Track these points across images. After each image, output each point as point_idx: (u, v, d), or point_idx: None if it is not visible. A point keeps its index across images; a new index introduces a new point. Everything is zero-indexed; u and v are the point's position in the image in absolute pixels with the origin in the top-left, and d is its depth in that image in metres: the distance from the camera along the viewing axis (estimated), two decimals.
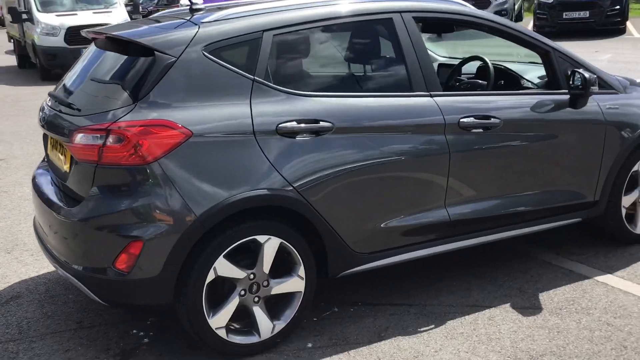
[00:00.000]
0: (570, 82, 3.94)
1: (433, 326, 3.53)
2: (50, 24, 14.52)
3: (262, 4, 3.46)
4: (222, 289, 3.20)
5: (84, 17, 14.80)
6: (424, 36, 4.91)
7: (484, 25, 3.93)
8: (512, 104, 3.88)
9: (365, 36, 3.70)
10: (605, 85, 4.25)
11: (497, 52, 4.87)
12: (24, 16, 15.14)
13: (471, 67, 4.57)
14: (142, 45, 3.15)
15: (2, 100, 11.95)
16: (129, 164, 2.96)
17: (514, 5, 19.66)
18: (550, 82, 4.11)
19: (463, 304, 3.77)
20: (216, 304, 3.16)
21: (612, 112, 4.17)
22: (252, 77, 3.19)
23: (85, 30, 3.84)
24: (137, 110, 3.00)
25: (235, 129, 3.09)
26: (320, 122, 3.25)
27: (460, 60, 4.64)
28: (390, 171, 3.46)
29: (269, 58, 3.25)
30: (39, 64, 14.80)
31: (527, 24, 19.01)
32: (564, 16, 16.90)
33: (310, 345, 3.37)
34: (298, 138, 3.21)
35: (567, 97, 3.99)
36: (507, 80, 4.39)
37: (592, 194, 4.20)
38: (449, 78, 4.51)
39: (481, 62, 4.34)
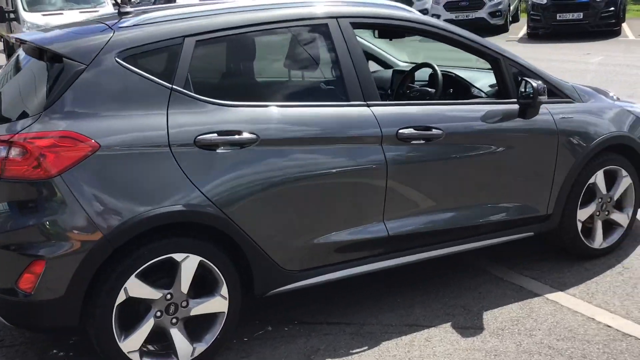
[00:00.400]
0: (519, 91, 3.77)
1: (366, 347, 3.37)
2: (35, 23, 14.37)
3: (188, 8, 3.29)
4: (138, 310, 3.04)
5: (70, 17, 14.65)
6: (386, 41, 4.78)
7: (428, 32, 3.77)
8: (455, 114, 3.71)
9: (298, 43, 3.53)
10: (560, 94, 4.08)
11: (463, 57, 4.71)
12: (11, 15, 15.03)
13: (425, 74, 4.40)
14: (52, 52, 2.99)
15: None
16: (32, 178, 2.80)
17: (509, 6, 19.44)
18: (500, 91, 3.94)
19: (403, 323, 3.61)
20: (130, 326, 3.00)
21: (565, 122, 4.00)
22: (170, 85, 3.03)
23: (12, 35, 3.69)
24: (42, 121, 2.84)
25: (149, 141, 2.93)
26: (244, 134, 3.09)
27: (412, 66, 4.47)
28: (322, 185, 3.30)
29: (190, 66, 3.09)
30: None
31: (523, 26, 18.87)
32: (558, 17, 16.67)
33: None
34: (219, 150, 3.05)
35: (516, 106, 3.81)
36: (458, 89, 4.23)
37: (544, 207, 4.03)
38: (400, 86, 4.34)
39: (431, 70, 4.18)
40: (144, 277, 2.96)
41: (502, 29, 18.93)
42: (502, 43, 15.29)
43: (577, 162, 4.03)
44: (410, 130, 3.49)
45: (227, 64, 3.35)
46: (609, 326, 3.49)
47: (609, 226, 4.37)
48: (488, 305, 3.78)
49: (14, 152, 2.81)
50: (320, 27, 3.43)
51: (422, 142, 3.53)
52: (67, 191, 2.79)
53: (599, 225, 4.27)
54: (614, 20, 16.55)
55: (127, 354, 2.97)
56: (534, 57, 11.60)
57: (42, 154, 2.78)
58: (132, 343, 2.98)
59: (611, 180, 4.28)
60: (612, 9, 16.41)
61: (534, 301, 3.82)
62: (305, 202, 3.27)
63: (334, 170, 3.31)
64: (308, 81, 3.63)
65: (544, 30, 16.85)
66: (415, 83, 4.44)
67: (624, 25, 17.61)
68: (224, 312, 3.17)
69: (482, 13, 18.87)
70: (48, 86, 2.95)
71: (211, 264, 3.08)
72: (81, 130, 2.83)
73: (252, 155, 3.11)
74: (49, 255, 2.79)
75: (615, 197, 4.30)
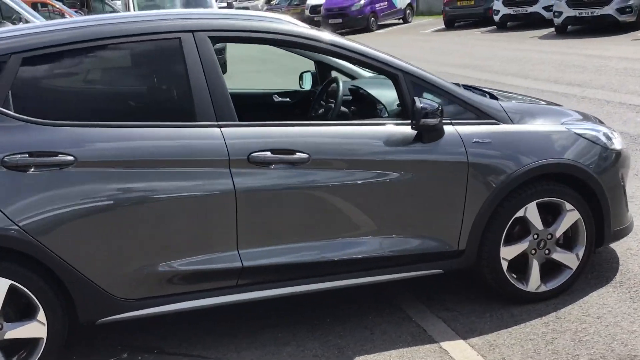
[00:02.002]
0: (410, 112, 3.34)
1: None
2: None
3: (25, 25, 3.22)
4: None
5: None
6: None
7: (308, 45, 3.45)
8: (329, 137, 3.35)
9: (145, 58, 3.33)
10: (479, 114, 3.57)
11: None
12: None
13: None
14: None
15: None
16: None
17: None
18: (401, 111, 3.52)
19: None
20: None
21: (479, 146, 3.49)
22: None
23: None
24: None
25: None
26: (59, 155, 2.97)
27: (324, 83, 4.11)
28: (156, 210, 3.11)
29: (13, 83, 3.02)
30: None
31: None
32: None
33: None
34: (30, 172, 2.95)
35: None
36: (365, 107, 3.83)
37: (454, 242, 3.55)
38: (313, 105, 4.01)
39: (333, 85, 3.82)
40: None
41: (633, 27, 17.24)
42: (625, 43, 13.92)
43: (494, 192, 3.50)
44: (266, 154, 3.19)
45: (57, 81, 3.24)
46: None
47: (556, 267, 3.77)
48: (369, 349, 3.39)
49: None
50: (170, 42, 3.23)
51: (282, 166, 3.22)
52: None
53: (534, 266, 3.69)
54: None
55: None
56: None
57: None
58: None
59: (553, 214, 3.69)
60: None
61: (422, 349, 3.38)
62: (135, 228, 3.10)
63: (170, 195, 3.11)
64: (149, 99, 3.41)
65: None
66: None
67: None
68: (42, 337, 3.07)
69: (609, 9, 17.27)
70: None
71: (24, 288, 2.99)
72: None
73: (69, 177, 2.98)
74: None
75: (558, 234, 3.70)
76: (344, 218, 3.39)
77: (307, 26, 3.58)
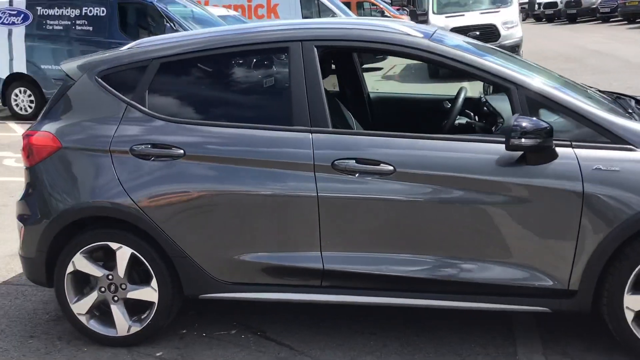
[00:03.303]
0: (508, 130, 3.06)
1: None
2: (438, 26, 15.46)
3: None
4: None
5: (470, 18, 15.31)
6: None
7: (416, 56, 3.36)
8: (417, 149, 3.24)
9: (260, 65, 3.57)
10: (610, 136, 3.10)
11: None
12: (421, 18, 16.49)
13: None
14: None
15: None
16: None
17: None
18: None
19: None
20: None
21: (601, 175, 3.04)
22: None
23: None
24: None
25: None
26: (173, 148, 3.42)
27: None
28: (248, 205, 3.37)
29: (150, 84, 3.55)
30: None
31: None
32: None
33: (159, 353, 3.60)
34: (151, 160, 3.45)
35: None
36: (486, 121, 3.56)
37: (565, 281, 3.16)
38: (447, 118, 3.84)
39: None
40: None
41: None
42: None
43: (616, 230, 3.03)
44: (350, 162, 3.24)
45: (180, 84, 3.65)
46: None
47: None
48: None
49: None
50: (280, 50, 3.44)
51: (367, 176, 3.23)
52: None
53: None
54: None
55: None
56: None
57: None
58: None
59: None
60: None
61: None
62: (229, 219, 3.40)
63: (260, 192, 3.35)
64: (256, 103, 3.60)
65: None
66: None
67: None
68: (154, 302, 3.56)
69: None
70: None
71: (142, 258, 3.51)
72: None
73: (179, 167, 3.41)
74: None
75: None
76: (430, 235, 3.26)
77: (422, 33, 3.46)
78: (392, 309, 3.66)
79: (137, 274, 3.59)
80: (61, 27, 11.56)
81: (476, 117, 3.98)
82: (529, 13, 38.84)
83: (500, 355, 3.40)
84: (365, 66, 18.61)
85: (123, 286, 3.59)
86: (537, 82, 3.23)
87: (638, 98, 4.00)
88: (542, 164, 3.08)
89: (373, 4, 24.91)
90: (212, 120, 3.49)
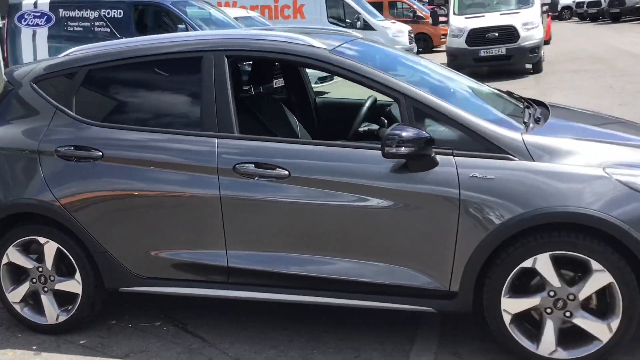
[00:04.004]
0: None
1: None
2: (457, 27, 15.42)
3: None
4: None
5: (489, 19, 15.23)
6: None
7: (315, 65, 3.53)
8: (310, 155, 3.42)
9: (174, 75, 3.81)
10: (489, 145, 3.22)
11: None
12: (443, 19, 16.47)
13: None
14: None
15: None
16: None
17: None
18: None
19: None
20: None
21: (478, 182, 3.16)
22: None
23: None
24: None
25: None
26: (92, 150, 3.68)
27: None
28: (160, 204, 3.61)
29: (78, 90, 3.82)
30: (447, 65, 15.91)
31: None
32: None
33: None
34: (73, 161, 3.72)
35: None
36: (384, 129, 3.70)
37: (446, 283, 3.29)
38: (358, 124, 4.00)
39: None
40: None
41: None
42: None
43: (491, 235, 3.15)
44: (249, 166, 3.43)
45: (103, 90, 3.90)
46: None
47: (583, 335, 3.20)
48: None
49: None
50: (194, 59, 3.65)
51: (265, 180, 3.42)
52: None
53: (548, 326, 3.19)
54: None
55: None
56: None
57: None
58: None
59: (583, 273, 3.15)
60: None
61: None
62: (143, 217, 3.64)
63: (170, 193, 3.57)
64: (171, 109, 3.77)
65: None
66: None
67: None
68: (78, 293, 3.83)
69: None
70: None
71: (67, 252, 3.78)
72: None
73: (97, 168, 3.66)
74: None
75: (582, 296, 3.14)
76: (321, 237, 3.42)
77: (327, 45, 3.61)
78: (315, 305, 3.80)
79: (65, 267, 3.86)
80: (81, 29, 12.01)
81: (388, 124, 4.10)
82: (573, 12, 38.25)
83: (394, 352, 3.54)
84: None
85: (52, 278, 3.87)
86: (424, 93, 3.35)
87: (555, 105, 4.08)
88: (423, 171, 3.22)
89: (405, 4, 24.87)
90: (130, 125, 3.73)
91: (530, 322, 3.26)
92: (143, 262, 3.71)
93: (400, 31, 18.55)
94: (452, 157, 3.23)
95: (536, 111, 3.83)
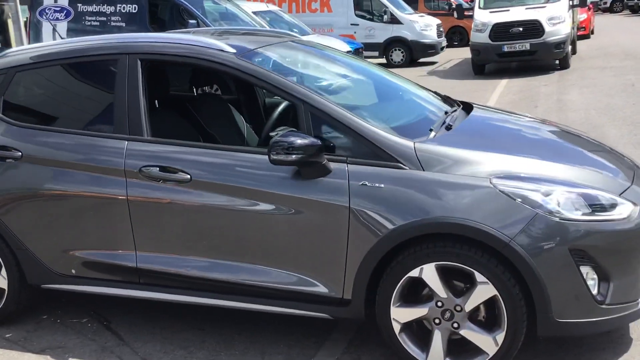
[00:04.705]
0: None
1: None
2: (481, 21, 15.13)
3: None
4: None
5: (514, 14, 14.91)
6: None
7: (222, 72, 3.57)
8: (210, 159, 3.44)
9: (94, 75, 3.87)
10: (381, 153, 3.19)
11: None
12: (468, 12, 16.18)
13: None
14: None
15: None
16: None
17: None
18: None
19: None
20: None
21: (368, 191, 3.14)
22: None
23: None
24: None
25: None
26: (12, 150, 3.78)
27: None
28: (74, 205, 3.68)
29: (6, 91, 3.93)
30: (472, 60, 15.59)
31: None
32: None
33: None
34: None
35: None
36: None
37: (339, 290, 3.28)
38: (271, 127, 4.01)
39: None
40: None
41: None
42: None
43: (378, 244, 3.13)
44: (154, 170, 3.48)
45: (30, 91, 3.99)
46: None
47: (473, 347, 3.16)
48: None
49: None
50: (111, 63, 3.72)
51: (169, 183, 3.47)
52: None
53: (437, 337, 3.16)
54: None
55: None
56: None
57: None
58: None
59: (471, 284, 3.10)
60: None
61: None
62: (59, 217, 3.73)
63: (83, 194, 3.64)
64: (87, 111, 3.85)
65: None
66: None
67: None
68: (5, 288, 3.96)
69: None
70: None
71: None
72: None
73: (17, 168, 3.77)
74: None
75: (467, 308, 3.10)
76: (221, 241, 3.46)
77: (238, 49, 3.61)
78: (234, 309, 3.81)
79: None
80: (98, 23, 12.29)
81: None
82: (624, 5, 37.14)
83: (299, 356, 3.55)
84: (420, 60, 18.57)
85: None
86: (321, 99, 3.33)
87: (484, 108, 4.01)
88: (314, 178, 3.21)
89: None
90: (49, 126, 3.82)
91: (422, 332, 3.23)
92: (62, 261, 3.80)
93: (428, 25, 18.33)
94: (345, 164, 3.21)
95: (453, 117, 3.76)
